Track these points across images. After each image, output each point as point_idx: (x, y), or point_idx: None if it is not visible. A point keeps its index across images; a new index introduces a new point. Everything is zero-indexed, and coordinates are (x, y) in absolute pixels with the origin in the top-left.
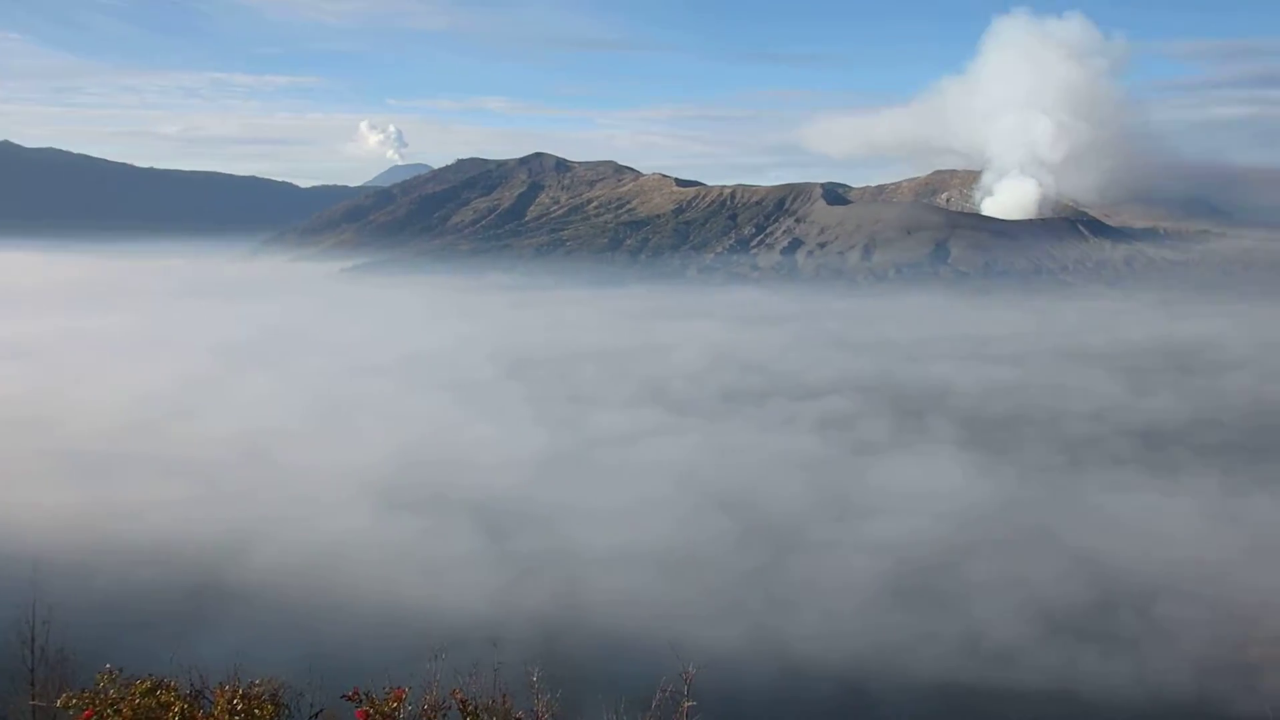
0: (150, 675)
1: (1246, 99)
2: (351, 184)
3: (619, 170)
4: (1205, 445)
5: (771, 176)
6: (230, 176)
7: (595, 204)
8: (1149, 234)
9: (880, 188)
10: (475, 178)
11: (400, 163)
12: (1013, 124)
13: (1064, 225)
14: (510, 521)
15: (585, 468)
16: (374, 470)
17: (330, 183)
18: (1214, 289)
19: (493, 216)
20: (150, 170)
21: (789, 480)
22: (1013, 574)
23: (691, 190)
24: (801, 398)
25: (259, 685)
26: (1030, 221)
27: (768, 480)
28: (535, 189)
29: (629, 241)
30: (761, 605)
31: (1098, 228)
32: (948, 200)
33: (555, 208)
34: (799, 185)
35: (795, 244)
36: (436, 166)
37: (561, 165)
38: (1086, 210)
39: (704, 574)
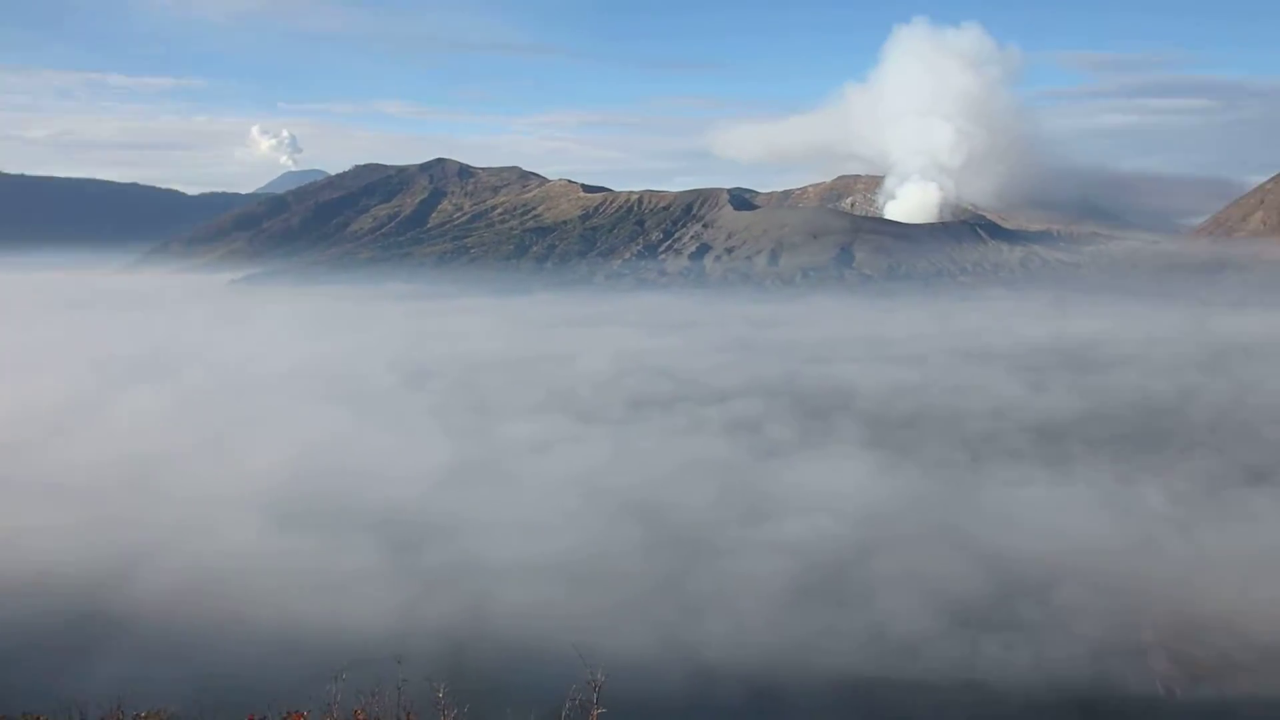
0: (25, 714)
1: (1129, 108)
2: (242, 191)
3: (524, 176)
4: (1097, 438)
5: (679, 182)
6: (109, 183)
7: (500, 210)
8: (1043, 236)
9: (786, 193)
10: (374, 184)
11: (294, 169)
12: (914, 130)
13: (963, 229)
14: (413, 535)
15: (491, 478)
16: (267, 486)
17: (219, 189)
18: (1103, 289)
19: (393, 224)
20: (21, 177)
21: (698, 485)
22: (917, 569)
23: (598, 196)
24: (709, 402)
25: (147, 716)
26: (931, 225)
27: (677, 486)
28: (438, 195)
29: (535, 248)
30: (672, 612)
31: (995, 231)
32: (852, 205)
33: (459, 214)
34: (706, 191)
35: (703, 249)
36: (333, 172)
37: (465, 171)
38: (985, 214)
39: (613, 583)
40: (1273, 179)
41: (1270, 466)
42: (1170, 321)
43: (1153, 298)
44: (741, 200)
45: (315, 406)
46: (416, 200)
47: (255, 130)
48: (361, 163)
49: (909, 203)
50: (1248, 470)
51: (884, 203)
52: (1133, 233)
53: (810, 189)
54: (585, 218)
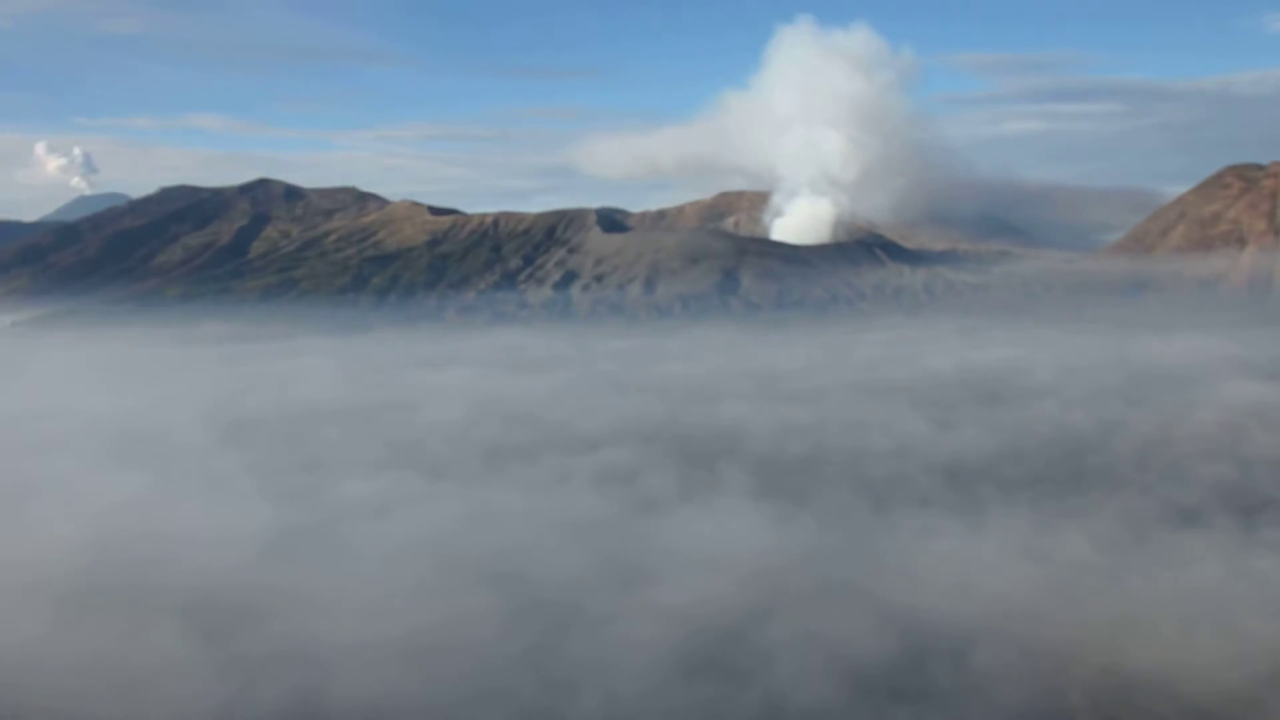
0: None
1: (1036, 114)
2: (26, 218)
3: (361, 198)
4: (1011, 479)
5: (539, 202)
6: None
7: (334, 237)
8: (947, 256)
9: (661, 213)
10: (185, 209)
11: (89, 192)
12: (801, 140)
13: (859, 249)
14: (230, 618)
15: (322, 547)
16: (55, 566)
17: None
18: (1015, 312)
19: (208, 255)
20: None
21: (564, 547)
22: (816, 632)
23: (447, 219)
24: (576, 451)
25: None
26: (824, 246)
27: (539, 548)
28: (260, 221)
29: (375, 280)
30: (534, 689)
31: (895, 251)
32: (735, 224)
33: (285, 243)
34: (571, 211)
35: (569, 277)
36: (136, 196)
37: (292, 193)
38: (883, 233)
39: (469, 662)
40: (1192, 190)
41: (1201, 505)
42: (1088, 347)
43: (1068, 322)
44: (611, 221)
45: (112, 470)
46: (235, 227)
47: (41, 148)
48: (169, 184)
49: (799, 221)
50: (1177, 510)
51: (771, 221)
52: (1044, 251)
53: (688, 208)
54: (433, 244)
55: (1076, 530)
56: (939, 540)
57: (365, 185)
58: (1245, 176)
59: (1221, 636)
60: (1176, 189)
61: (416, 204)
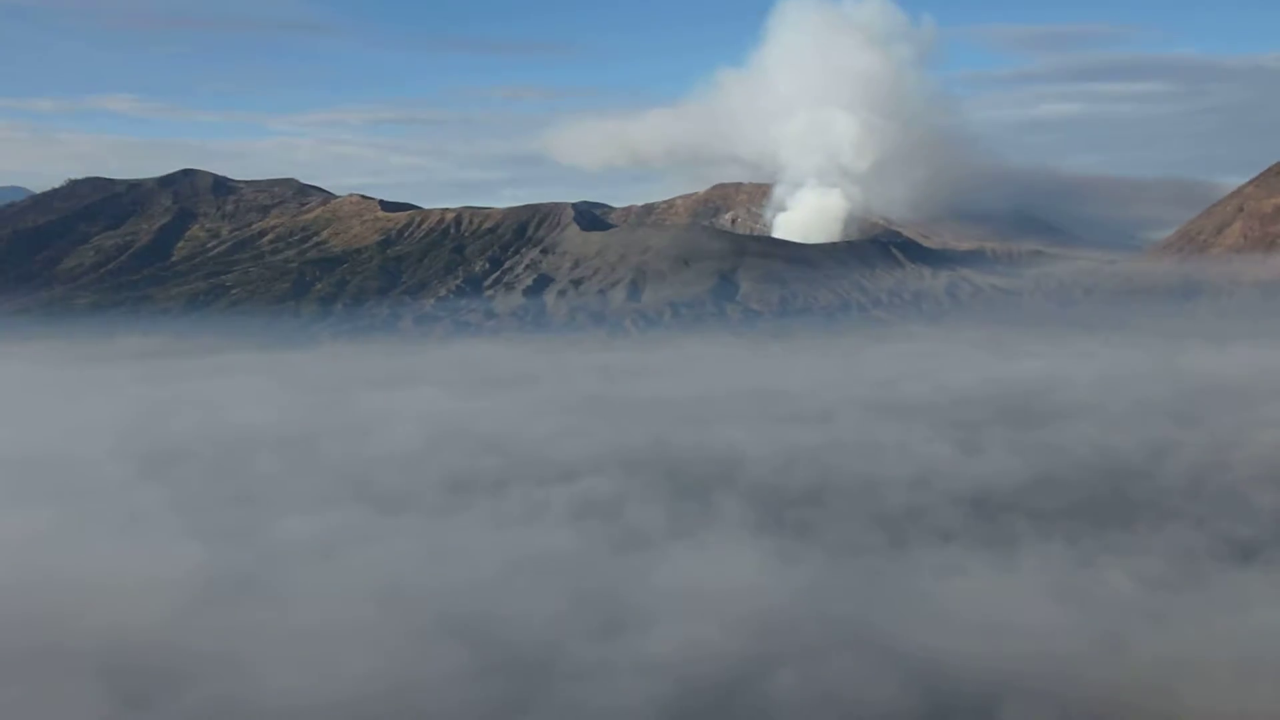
0: None
1: (1073, 94)
2: None
3: (302, 191)
4: (1046, 510)
5: (508, 196)
6: None
7: (271, 237)
8: (974, 257)
9: (649, 207)
10: (96, 205)
11: None
12: (808, 125)
13: (874, 248)
14: (152, 677)
15: (259, 592)
16: None
17: None
18: (1050, 321)
19: (124, 258)
20: None
21: (538, 589)
22: (825, 684)
23: (403, 216)
24: (552, 481)
25: None
26: (834, 245)
27: (509, 591)
28: (185, 218)
29: (320, 286)
30: None
31: (914, 251)
32: (733, 221)
33: (214, 243)
34: (545, 206)
35: (542, 281)
36: (37, 190)
37: (222, 186)
38: (900, 230)
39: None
40: (1251, 181)
41: (1261, 539)
42: (1133, 360)
43: (1110, 331)
44: (591, 218)
45: (11, 507)
46: (156, 225)
47: None
48: (78, 176)
49: (804, 216)
50: (1233, 545)
51: (773, 217)
52: (1083, 250)
53: (678, 202)
54: (386, 244)
55: (1120, 568)
56: (964, 579)
57: (307, 177)
58: None
59: None
60: (1233, 180)
61: (366, 198)
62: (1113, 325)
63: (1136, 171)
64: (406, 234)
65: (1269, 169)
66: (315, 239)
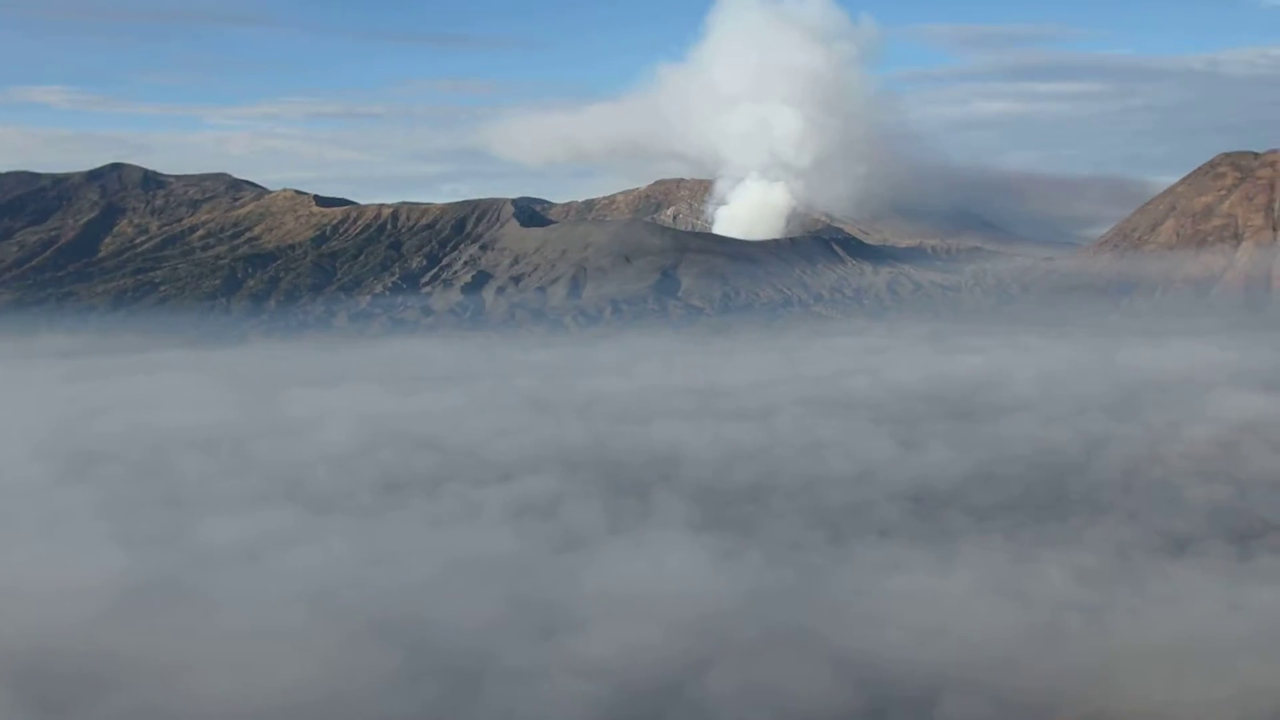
0: None
1: (1011, 93)
2: None
3: (235, 186)
4: (985, 506)
5: (446, 192)
6: None
7: (202, 232)
8: (914, 253)
9: (589, 203)
10: (21, 199)
11: None
12: (749, 120)
13: (816, 245)
14: (70, 683)
15: (186, 596)
16: None
17: None
18: (989, 317)
19: (49, 254)
20: None
21: (473, 591)
22: (763, 683)
23: (338, 211)
24: (488, 481)
25: None
26: (776, 242)
27: (444, 593)
28: (113, 213)
29: (252, 282)
30: None
31: (855, 247)
32: (675, 217)
33: (143, 239)
34: (484, 202)
35: (481, 278)
36: None
37: (152, 180)
38: (841, 226)
39: None
40: (1183, 180)
41: (1194, 532)
42: (1070, 355)
43: (1048, 326)
44: (531, 213)
45: None
46: (82, 221)
47: None
48: (2, 170)
49: (746, 212)
50: (1169, 538)
51: (714, 213)
52: (1021, 247)
53: (619, 198)
54: (320, 240)
55: (1057, 562)
56: (903, 576)
57: (240, 171)
58: (1239, 165)
59: (1217, 678)
60: (1165, 179)
61: (301, 193)
62: (1050, 321)
63: (1072, 169)
64: (342, 230)
65: (1199, 168)
66: (248, 235)
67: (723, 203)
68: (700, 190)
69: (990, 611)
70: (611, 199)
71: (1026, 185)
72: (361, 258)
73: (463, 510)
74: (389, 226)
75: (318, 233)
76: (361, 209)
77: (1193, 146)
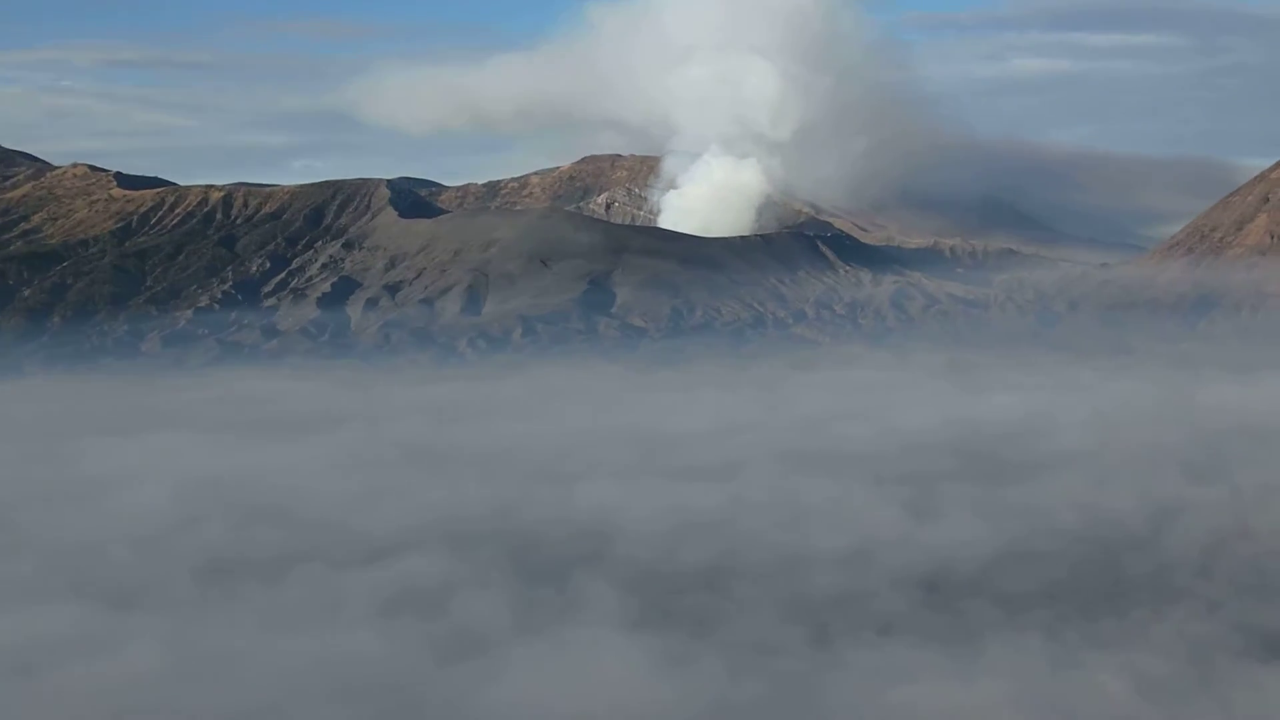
0: None
1: (1057, 47)
2: None
3: (7, 158)
4: (1020, 594)
5: (298, 169)
6: None
7: None
8: (928, 257)
9: (493, 186)
10: None
11: None
12: (711, 76)
13: (797, 244)
14: None
15: None
16: None
17: None
18: (1028, 342)
19: None
20: None
21: (328, 714)
22: None
23: (148, 195)
24: (353, 562)
25: None
26: (744, 240)
27: (288, 718)
28: None
29: (28, 292)
30: None
31: (850, 248)
32: (608, 206)
33: None
34: (349, 183)
35: (346, 286)
36: None
37: None
38: (831, 219)
39: None
40: (1279, 164)
41: None
42: (1133, 395)
43: (1104, 355)
44: (413, 200)
45: None
46: None
47: None
48: None
49: (705, 200)
50: (1259, 636)
51: (661, 200)
52: (1069, 250)
53: (534, 180)
54: (125, 234)
55: (1113, 668)
56: (910, 686)
57: (14, 140)
58: None
59: None
60: (1258, 161)
61: (96, 169)
62: (1107, 349)
63: (1137, 149)
64: (154, 220)
65: None
66: (22, 226)
67: (673, 186)
68: (643, 170)
69: None
70: (524, 181)
71: (1077, 168)
72: (181, 259)
73: (317, 603)
74: (219, 216)
75: (120, 224)
76: (181, 192)
77: None
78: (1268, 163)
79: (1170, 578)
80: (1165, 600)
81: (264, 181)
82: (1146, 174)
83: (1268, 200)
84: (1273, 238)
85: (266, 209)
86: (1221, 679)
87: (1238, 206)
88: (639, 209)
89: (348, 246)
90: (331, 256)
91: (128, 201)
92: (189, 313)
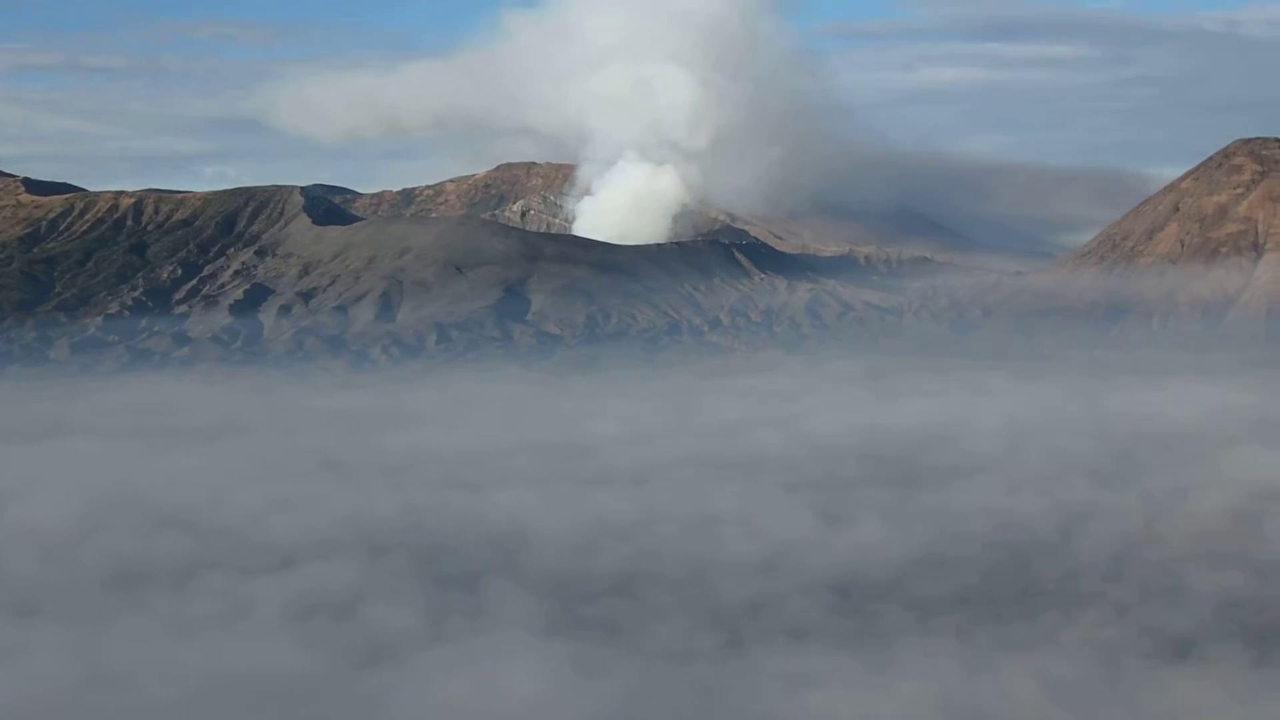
0: None
1: (972, 57)
2: None
3: None
4: (931, 599)
5: (210, 176)
6: None
7: None
8: (843, 264)
9: (408, 194)
10: None
11: None
12: (625, 82)
13: (713, 252)
14: None
15: None
16: None
17: None
18: (940, 348)
19: None
20: None
21: None
22: None
23: (57, 201)
24: (262, 569)
25: None
26: (660, 248)
27: None
28: None
29: None
30: None
31: (765, 256)
32: (524, 213)
33: None
34: (262, 190)
35: (258, 294)
36: None
37: None
38: (746, 227)
39: None
40: (1190, 173)
41: (1200, 632)
42: (1045, 401)
43: (1017, 362)
44: (327, 207)
45: None
46: None
47: None
48: None
49: (620, 208)
50: (1168, 639)
51: (577, 208)
52: (983, 257)
53: (449, 187)
54: (33, 240)
55: (1024, 671)
56: (822, 692)
57: None
58: (1261, 155)
59: None
60: (1167, 171)
61: (5, 175)
62: (1021, 355)
63: (1049, 158)
64: (63, 226)
65: (1210, 159)
66: None
67: (588, 194)
68: (558, 178)
69: None
70: (438, 189)
71: (990, 178)
72: (90, 265)
73: (224, 611)
74: (130, 222)
75: (28, 230)
76: (91, 198)
77: (1203, 130)
78: (1178, 172)
79: (1080, 582)
80: (1075, 604)
81: (175, 188)
82: (1059, 183)
83: (1178, 209)
84: (1183, 246)
85: (178, 215)
86: (1130, 681)
87: (1149, 215)
88: (554, 216)
89: (260, 254)
90: (244, 263)
91: (36, 207)
92: (99, 320)
